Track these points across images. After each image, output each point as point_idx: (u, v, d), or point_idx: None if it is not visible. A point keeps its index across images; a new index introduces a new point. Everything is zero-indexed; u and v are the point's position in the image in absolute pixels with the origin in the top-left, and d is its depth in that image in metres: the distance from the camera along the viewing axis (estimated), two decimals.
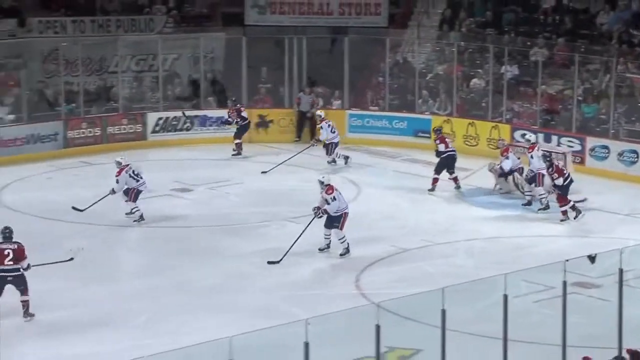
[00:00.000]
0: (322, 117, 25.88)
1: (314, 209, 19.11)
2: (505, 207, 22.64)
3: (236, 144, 26.83)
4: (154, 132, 28.03)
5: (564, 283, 12.93)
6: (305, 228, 19.00)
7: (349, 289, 17.65)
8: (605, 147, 25.17)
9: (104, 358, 14.50)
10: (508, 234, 20.88)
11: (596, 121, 26.22)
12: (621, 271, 13.39)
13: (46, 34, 29.63)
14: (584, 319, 14.35)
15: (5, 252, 15.77)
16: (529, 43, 28.71)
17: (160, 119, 28.19)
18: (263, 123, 28.53)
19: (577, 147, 25.27)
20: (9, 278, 15.76)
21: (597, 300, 15.57)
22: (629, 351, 12.26)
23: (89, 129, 27.42)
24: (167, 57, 29.83)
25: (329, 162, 25.65)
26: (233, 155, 26.71)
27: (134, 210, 21.12)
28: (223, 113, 27.91)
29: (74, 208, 21.28)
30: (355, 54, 28.91)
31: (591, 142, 25.41)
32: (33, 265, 16.01)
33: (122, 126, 27.79)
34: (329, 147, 25.68)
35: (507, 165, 22.81)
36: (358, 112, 28.69)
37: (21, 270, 15.84)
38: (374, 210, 22.22)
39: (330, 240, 19.21)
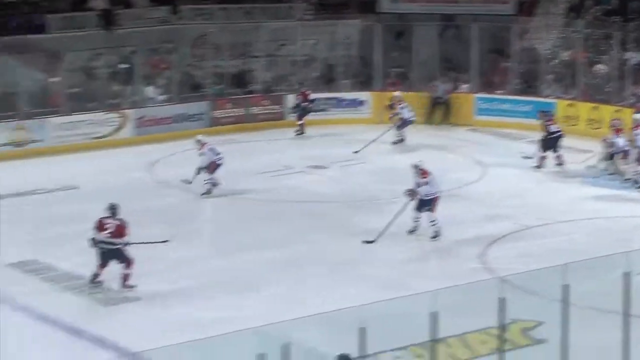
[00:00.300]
0: (399, 97, 25.94)
1: (406, 192, 18.86)
2: (625, 187, 22.24)
3: (299, 124, 26.93)
4: (292, 112, 28.25)
5: None
6: (401, 210, 18.73)
7: (473, 263, 17.57)
8: None
9: (245, 321, 14.69)
10: (629, 213, 20.55)
11: None
12: None
13: (196, 21, 30.03)
14: None
15: (107, 226, 15.98)
16: None
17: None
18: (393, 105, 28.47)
19: None
20: (104, 251, 15.97)
21: None
22: None
23: (232, 109, 27.78)
24: (306, 43, 29.98)
25: (394, 143, 25.65)
26: (297, 135, 26.84)
27: (207, 181, 21.40)
28: (356, 95, 28.03)
29: (182, 181, 21.44)
30: (484, 41, 28.69)
31: None
32: (131, 243, 16.07)
33: (263, 107, 28.06)
34: (402, 125, 25.67)
35: (619, 142, 22.42)
36: (485, 95, 28.47)
37: (118, 245, 15.97)
38: (498, 189, 22.10)
39: (418, 223, 18.87)
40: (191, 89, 28.36)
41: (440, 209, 19.12)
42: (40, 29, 28.38)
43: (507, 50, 29.10)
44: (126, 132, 26.19)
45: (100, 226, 15.99)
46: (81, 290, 16.09)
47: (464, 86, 28.82)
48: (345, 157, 24.65)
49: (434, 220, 18.73)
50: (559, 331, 12.02)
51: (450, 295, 13.00)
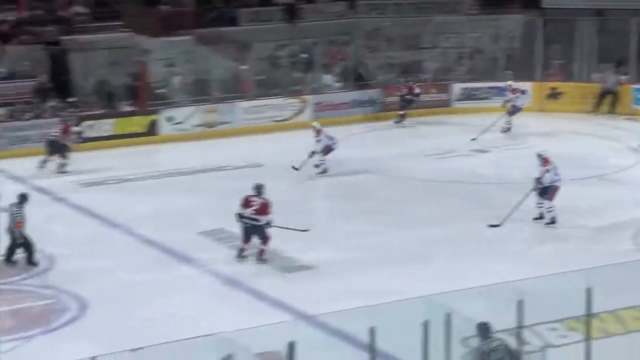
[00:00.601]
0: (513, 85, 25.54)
1: (534, 180, 18.20)
2: None
3: (400, 114, 26.48)
4: (457, 100, 28.07)
5: None
6: (526, 196, 18.23)
7: (627, 245, 17.17)
8: None
9: (410, 291, 14.71)
10: None
11: None
12: None
13: (370, 15, 30.16)
14: None
15: (252, 203, 16.07)
16: None
17: (464, 89, 28.19)
18: (553, 95, 28.01)
19: None
20: (247, 226, 16.06)
21: None
22: None
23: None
24: (471, 36, 29.73)
25: (503, 131, 25.12)
26: (396, 123, 26.38)
27: (322, 162, 21.60)
28: (516, 85, 27.69)
29: (293, 167, 21.38)
30: None
31: None
32: (273, 226, 16.11)
33: (431, 94, 27.96)
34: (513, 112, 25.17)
35: None
36: None
37: (260, 223, 16.03)
38: None
39: (542, 210, 18.32)
40: (361, 77, 28.43)
41: (597, 191, 18.75)
42: (232, 22, 29.05)
43: None
44: (305, 116, 26.49)
45: (247, 203, 16.12)
46: (262, 258, 16.33)
47: (623, 77, 28.05)
48: (506, 142, 24.37)
49: (550, 207, 18.20)
50: None
51: (605, 274, 12.75)
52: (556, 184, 18.25)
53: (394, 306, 11.95)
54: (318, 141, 21.74)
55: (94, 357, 9.00)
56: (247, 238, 16.14)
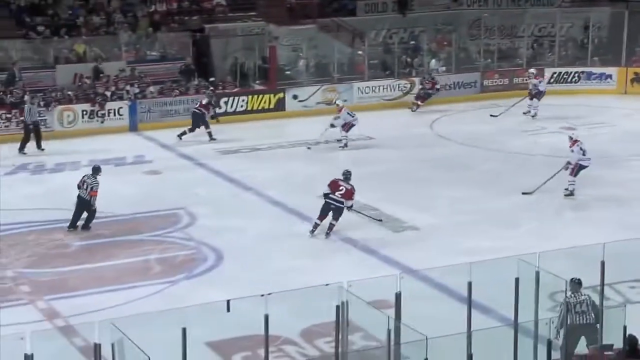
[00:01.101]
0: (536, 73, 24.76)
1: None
2: None
3: (418, 104, 25.29)
4: (549, 83, 27.43)
5: None
6: (558, 172, 17.74)
7: None
8: None
9: (506, 252, 14.49)
10: None
11: None
12: None
13: (473, 7, 29.76)
14: None
15: (340, 187, 15.57)
16: None
17: (554, 73, 27.54)
18: (637, 79, 27.14)
19: None
20: (332, 206, 15.52)
21: None
22: None
23: (499, 79, 27.30)
24: (563, 26, 29.04)
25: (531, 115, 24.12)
26: (412, 111, 25.26)
27: (343, 137, 21.44)
28: (604, 70, 27.02)
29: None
30: None
31: None
32: (353, 210, 15.73)
33: (525, 78, 27.37)
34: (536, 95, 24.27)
35: None
36: None
37: (344, 205, 15.54)
38: None
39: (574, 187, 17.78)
40: (468, 61, 28.05)
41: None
42: (351, 12, 29.14)
43: None
44: (412, 96, 26.24)
45: (335, 186, 15.65)
46: (375, 221, 16.21)
47: None
48: (592, 121, 23.74)
49: (571, 181, 17.75)
50: None
51: None
52: (581, 162, 17.84)
53: (490, 264, 11.82)
54: (336, 118, 21.51)
55: (228, 300, 9.11)
56: (323, 215, 15.59)
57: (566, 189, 17.82)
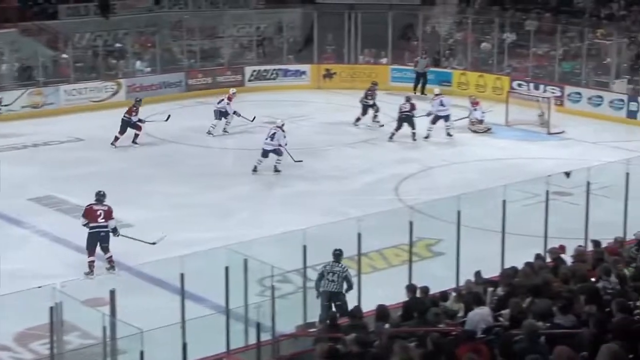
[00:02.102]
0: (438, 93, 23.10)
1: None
2: (506, 137, 22.41)
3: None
4: (249, 80, 28.00)
5: (547, 192, 12.90)
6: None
7: (390, 196, 17.69)
8: (579, 93, 24.80)
9: (218, 242, 14.65)
10: (508, 156, 20.74)
11: (572, 74, 25.82)
12: (588, 184, 13.34)
13: (173, 10, 29.68)
14: (561, 218, 14.28)
15: (98, 212, 13.95)
16: (524, 16, 28.23)
17: (254, 71, 28.13)
18: (329, 74, 28.36)
19: (558, 93, 24.89)
20: (102, 234, 13.89)
21: (571, 204, 15.43)
22: (592, 241, 12.23)
23: (203, 78, 27.47)
24: (260, 26, 29.70)
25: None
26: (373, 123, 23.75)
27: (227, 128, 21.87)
28: (298, 67, 27.98)
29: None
30: (396, 24, 28.58)
31: (568, 89, 25.03)
32: (121, 236, 14.03)
33: (227, 76, 27.74)
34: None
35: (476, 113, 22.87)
36: (398, 66, 28.39)
37: (108, 229, 13.88)
38: (408, 138, 22.10)
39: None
40: (172, 62, 27.95)
41: (366, 153, 19.22)
42: (53, 16, 28.09)
43: (415, 32, 29.00)
44: (120, 97, 25.80)
45: (91, 213, 13.94)
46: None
47: (383, 60, 28.63)
48: (292, 115, 24.48)
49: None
50: (454, 246, 12.19)
51: (372, 220, 13.06)
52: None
53: (203, 255, 11.87)
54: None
55: None
56: (93, 247, 13.85)
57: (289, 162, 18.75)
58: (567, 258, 11.51)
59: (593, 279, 10.04)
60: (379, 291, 12.00)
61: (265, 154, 19.09)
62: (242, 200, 17.31)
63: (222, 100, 22.78)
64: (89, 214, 14.01)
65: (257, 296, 11.00)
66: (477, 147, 21.55)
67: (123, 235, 14.02)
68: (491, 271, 11.53)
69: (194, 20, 28.39)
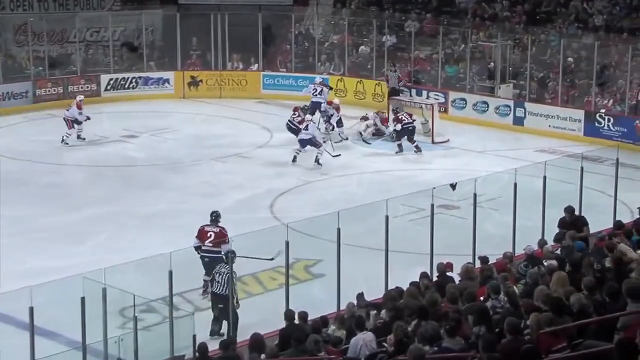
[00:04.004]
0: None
1: None
2: (388, 148, 22.71)
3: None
4: (106, 90, 27.59)
5: (432, 206, 13.17)
6: None
7: (265, 213, 17.70)
8: (463, 99, 25.47)
9: (72, 270, 14.34)
10: (392, 168, 21.05)
11: (457, 79, 26.48)
12: (475, 195, 13.69)
13: (17, 11, 28.91)
14: (447, 233, 14.61)
15: (208, 234, 13.78)
16: (404, 17, 28.83)
17: (111, 79, 27.73)
18: (194, 82, 28.22)
19: (442, 100, 25.51)
20: (206, 259, 13.60)
21: (457, 218, 15.83)
22: (480, 257, 12.54)
23: (53, 88, 26.89)
24: (116, 30, 29.29)
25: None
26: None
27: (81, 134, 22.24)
28: (161, 75, 27.77)
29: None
30: (267, 26, 28.73)
31: (452, 95, 25.69)
32: (239, 256, 12.71)
33: (80, 85, 27.25)
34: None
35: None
36: (270, 73, 28.52)
37: (221, 254, 13.22)
38: (284, 150, 22.19)
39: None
40: (17, 70, 27.26)
41: (238, 167, 19.22)
42: None
43: (287, 34, 29.18)
44: None
45: (203, 234, 13.77)
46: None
47: (253, 66, 28.70)
48: (154, 128, 24.27)
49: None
50: (334, 266, 12.30)
51: (245, 241, 13.04)
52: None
53: (54, 285, 11.59)
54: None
55: None
56: (210, 270, 13.34)
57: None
58: (455, 276, 11.79)
59: (482, 298, 10.30)
60: (254, 318, 11.98)
61: (303, 144, 20.75)
62: (99, 222, 17.00)
63: (71, 107, 22.60)
64: (200, 233, 13.83)
65: (118, 329, 10.84)
66: (358, 159, 21.82)
67: (241, 257, 12.87)
68: (375, 293, 11.69)
69: (40, 23, 27.76)
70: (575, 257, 11.25)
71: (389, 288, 11.56)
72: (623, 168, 16.40)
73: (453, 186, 14.30)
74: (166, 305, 11.33)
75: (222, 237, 13.55)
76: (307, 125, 21.04)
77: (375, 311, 10.57)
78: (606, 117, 23.09)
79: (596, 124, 23.14)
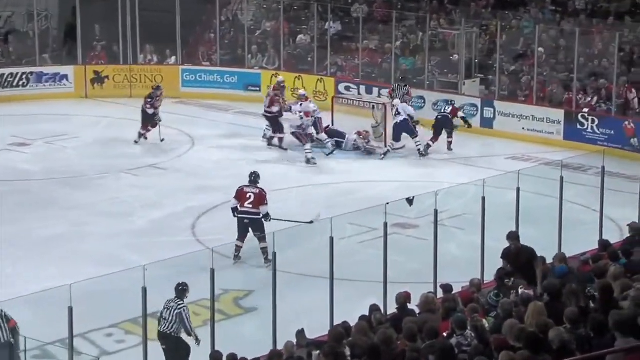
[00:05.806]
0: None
1: None
2: (335, 157, 22.77)
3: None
4: None
5: (385, 224, 13.23)
6: None
7: (186, 235, 17.64)
8: (422, 98, 25.62)
9: None
10: (337, 180, 21.12)
11: (413, 73, 26.61)
12: (436, 212, 13.78)
13: None
14: (404, 257, 14.68)
15: (248, 195, 16.07)
16: (350, 1, 28.97)
17: None
18: (99, 79, 28.04)
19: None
20: (246, 221, 15.95)
21: (415, 239, 15.92)
22: (442, 286, 12.62)
23: None
24: (2, 15, 29.03)
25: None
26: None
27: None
28: (58, 70, 27.55)
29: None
30: (186, 12, 28.64)
31: None
32: (274, 219, 16.04)
33: None
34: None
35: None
36: (191, 67, 28.47)
37: (260, 216, 15.96)
38: (208, 160, 22.16)
39: None
40: None
41: (156, 181, 19.22)
42: None
43: (211, 21, 29.16)
44: None
45: (242, 195, 16.12)
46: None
47: (171, 59, 28.62)
48: (51, 133, 24.06)
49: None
50: (270, 298, 12.29)
51: (162, 269, 13.00)
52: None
53: None
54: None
55: None
56: (244, 234, 15.99)
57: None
58: (414, 307, 11.85)
59: (445, 334, 10.37)
60: None
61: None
62: None
63: None
64: (238, 195, 16.18)
65: None
66: (297, 170, 21.86)
67: (276, 219, 15.95)
68: (318, 329, 11.71)
69: None
70: (553, 284, 11.35)
71: (335, 324, 11.57)
72: (610, 177, 16.63)
73: (410, 201, 14.39)
74: (65, 349, 11.24)
75: (262, 198, 16.03)
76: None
77: (318, 351, 10.59)
78: (590, 118, 23.41)
79: (578, 126, 23.46)
